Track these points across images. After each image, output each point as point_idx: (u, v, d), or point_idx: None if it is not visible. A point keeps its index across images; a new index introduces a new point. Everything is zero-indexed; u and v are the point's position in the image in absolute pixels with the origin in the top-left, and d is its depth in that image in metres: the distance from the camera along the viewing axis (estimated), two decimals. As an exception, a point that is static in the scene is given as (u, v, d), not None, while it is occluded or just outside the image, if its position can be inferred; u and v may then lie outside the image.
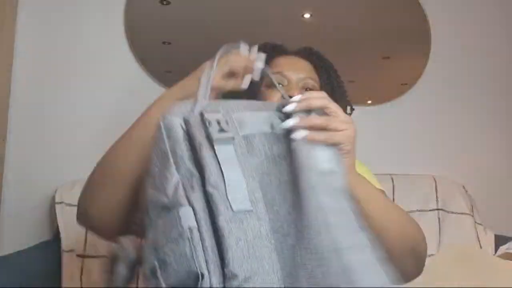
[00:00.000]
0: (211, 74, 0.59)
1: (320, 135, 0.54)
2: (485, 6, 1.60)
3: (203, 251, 0.42)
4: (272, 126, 0.55)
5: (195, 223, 0.44)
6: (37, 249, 1.09)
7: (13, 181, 1.24)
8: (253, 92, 0.86)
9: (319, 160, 0.51)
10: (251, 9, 1.43)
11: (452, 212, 1.31)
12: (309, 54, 0.94)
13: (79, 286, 1.09)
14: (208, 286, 0.41)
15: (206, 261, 0.42)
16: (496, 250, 1.28)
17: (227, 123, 0.49)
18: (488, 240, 1.30)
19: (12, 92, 1.26)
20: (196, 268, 0.42)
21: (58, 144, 1.28)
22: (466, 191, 1.37)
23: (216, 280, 0.42)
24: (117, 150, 0.71)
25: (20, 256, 1.02)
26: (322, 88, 0.91)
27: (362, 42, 1.50)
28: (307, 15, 1.49)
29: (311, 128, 0.54)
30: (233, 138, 0.48)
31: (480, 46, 1.58)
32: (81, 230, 1.13)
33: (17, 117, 1.26)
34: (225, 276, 0.41)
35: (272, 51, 0.92)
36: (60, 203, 1.14)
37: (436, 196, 1.33)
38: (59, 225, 1.12)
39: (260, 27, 1.42)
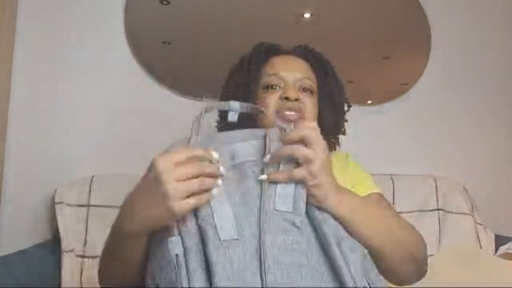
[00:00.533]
0: (202, 114, 0.64)
1: (279, 175, 0.56)
2: (485, 6, 1.60)
3: (189, 273, 0.48)
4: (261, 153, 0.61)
5: (182, 250, 0.50)
6: (37, 249, 1.09)
7: (13, 181, 1.24)
8: (249, 94, 0.85)
9: (277, 201, 0.55)
10: (251, 9, 1.43)
11: (452, 212, 1.31)
12: (305, 53, 0.93)
13: (79, 286, 1.09)
14: None
15: (189, 279, 0.48)
16: (496, 250, 1.28)
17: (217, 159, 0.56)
18: (488, 240, 1.30)
19: (12, 92, 1.26)
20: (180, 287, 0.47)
21: (58, 144, 1.28)
22: (466, 191, 1.37)
23: None
24: (111, 268, 0.66)
25: (20, 256, 1.02)
26: (319, 87, 0.90)
27: (362, 42, 1.50)
28: (307, 15, 1.49)
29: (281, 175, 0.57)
30: (222, 175, 0.55)
31: (480, 46, 1.58)
32: (81, 230, 1.14)
33: (17, 117, 1.26)
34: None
35: (268, 52, 0.91)
36: (60, 203, 1.14)
37: (436, 196, 1.33)
38: (59, 225, 1.12)
39: (260, 27, 1.42)
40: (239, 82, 0.88)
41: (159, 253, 0.53)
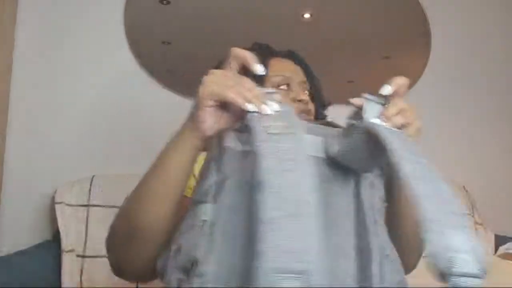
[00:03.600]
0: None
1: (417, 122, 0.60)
2: (485, 6, 1.60)
3: (208, 242, 0.46)
4: (325, 150, 0.56)
5: (208, 218, 0.48)
6: (37, 249, 1.09)
7: (13, 181, 1.24)
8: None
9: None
10: (251, 9, 1.43)
11: (452, 212, 1.31)
12: (296, 57, 0.95)
13: (79, 286, 1.09)
14: (201, 273, 0.45)
15: (207, 251, 0.46)
16: (496, 250, 1.28)
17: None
18: (488, 240, 1.30)
19: (12, 92, 1.26)
20: (196, 254, 0.46)
21: (58, 144, 1.28)
22: (466, 191, 1.37)
23: (211, 269, 0.45)
24: (140, 203, 0.61)
25: (20, 256, 1.02)
26: (309, 90, 0.92)
27: (362, 42, 1.50)
28: (307, 15, 1.49)
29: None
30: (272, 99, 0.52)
31: (480, 46, 1.58)
32: (81, 230, 1.14)
33: (17, 117, 1.26)
34: (256, 186, 0.42)
35: (268, 52, 0.92)
36: (60, 203, 1.14)
37: (436, 196, 1.33)
38: (59, 225, 1.11)
39: (260, 27, 1.42)
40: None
41: (190, 214, 0.52)
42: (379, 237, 0.53)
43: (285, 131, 0.47)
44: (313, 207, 0.41)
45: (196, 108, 0.54)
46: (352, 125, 0.57)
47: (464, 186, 1.38)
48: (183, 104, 1.17)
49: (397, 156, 0.43)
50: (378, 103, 0.59)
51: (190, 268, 0.47)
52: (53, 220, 1.17)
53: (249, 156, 0.52)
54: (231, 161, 0.52)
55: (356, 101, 0.60)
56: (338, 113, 0.74)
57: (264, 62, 0.89)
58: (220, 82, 0.52)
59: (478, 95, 1.56)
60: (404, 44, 1.55)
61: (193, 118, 0.55)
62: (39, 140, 1.27)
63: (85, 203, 1.16)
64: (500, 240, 1.30)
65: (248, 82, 0.53)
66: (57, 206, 1.14)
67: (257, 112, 0.50)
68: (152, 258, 0.58)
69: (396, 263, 0.55)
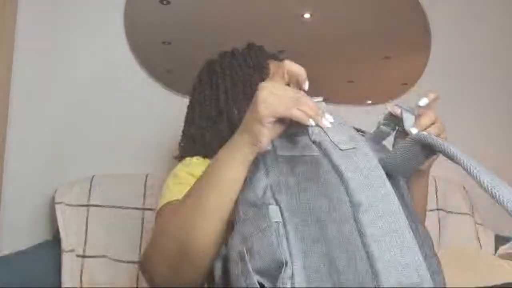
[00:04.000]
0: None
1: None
2: (485, 6, 1.60)
3: (287, 243, 0.48)
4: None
5: (281, 219, 0.50)
6: (37, 249, 1.09)
7: (13, 181, 1.24)
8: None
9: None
10: (251, 9, 1.43)
11: (452, 212, 1.31)
12: (289, 59, 0.95)
13: (79, 286, 1.09)
14: (291, 273, 0.46)
15: (290, 252, 0.47)
16: (496, 250, 1.28)
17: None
18: (488, 240, 1.30)
19: (12, 92, 1.26)
20: (281, 256, 0.47)
21: (58, 144, 1.28)
22: (466, 191, 1.37)
23: (297, 267, 0.46)
24: (195, 221, 0.58)
25: (20, 256, 1.02)
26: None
27: (362, 42, 1.50)
28: (307, 15, 1.49)
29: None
30: (326, 120, 0.56)
31: (480, 46, 1.58)
32: (81, 230, 1.14)
33: (17, 117, 1.26)
34: (352, 205, 0.47)
35: (262, 54, 0.91)
36: (60, 203, 1.14)
37: (436, 196, 1.33)
38: (59, 225, 1.12)
39: (260, 27, 1.42)
40: (250, 81, 0.85)
41: (256, 216, 0.52)
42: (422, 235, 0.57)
43: (351, 145, 0.52)
44: (405, 218, 0.46)
45: (257, 125, 0.54)
46: (398, 133, 0.63)
47: (464, 186, 1.38)
48: (183, 104, 1.18)
49: (471, 167, 0.44)
50: (411, 113, 0.63)
51: (275, 270, 0.47)
52: (53, 220, 1.17)
53: (293, 161, 0.56)
54: (279, 165, 0.55)
55: (394, 109, 0.63)
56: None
57: (262, 64, 0.89)
58: (280, 100, 0.53)
59: (478, 95, 1.56)
60: (404, 44, 1.55)
61: (253, 134, 0.55)
62: (39, 140, 1.27)
63: (85, 203, 1.16)
64: (500, 240, 1.30)
65: (304, 96, 0.55)
66: (57, 206, 1.14)
67: (318, 126, 0.54)
68: (205, 271, 0.60)
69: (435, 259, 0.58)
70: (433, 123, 0.63)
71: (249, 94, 0.83)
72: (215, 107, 0.87)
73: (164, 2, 1.36)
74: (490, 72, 1.58)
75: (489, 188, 0.40)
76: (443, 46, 1.53)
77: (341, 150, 0.51)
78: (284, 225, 0.49)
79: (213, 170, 0.59)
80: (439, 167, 1.45)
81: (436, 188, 1.34)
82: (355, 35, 1.50)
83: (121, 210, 1.15)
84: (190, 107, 0.94)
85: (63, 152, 1.28)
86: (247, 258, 0.50)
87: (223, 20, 1.40)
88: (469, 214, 1.31)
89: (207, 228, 0.57)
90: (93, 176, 1.20)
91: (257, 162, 0.56)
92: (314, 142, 0.53)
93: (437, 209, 1.31)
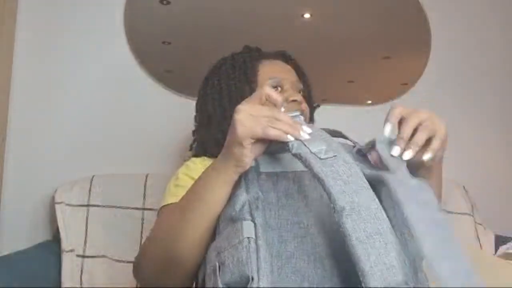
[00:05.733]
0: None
1: (434, 144, 0.62)
2: (485, 6, 1.60)
3: (257, 259, 0.49)
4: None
5: (253, 235, 0.51)
6: (37, 249, 1.09)
7: (13, 181, 1.24)
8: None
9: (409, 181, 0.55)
10: (251, 9, 1.43)
11: (452, 212, 1.31)
12: (287, 57, 0.96)
13: (79, 286, 1.09)
14: (256, 287, 0.48)
15: (258, 268, 0.48)
16: (496, 250, 1.28)
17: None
18: (488, 240, 1.30)
19: (12, 92, 1.26)
20: (248, 272, 0.48)
21: (58, 144, 1.28)
22: (466, 191, 1.37)
23: (263, 284, 0.48)
24: (180, 235, 0.62)
25: (20, 256, 1.02)
26: (302, 89, 0.93)
27: (362, 42, 1.50)
28: (307, 15, 1.49)
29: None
30: (305, 132, 0.57)
31: (480, 46, 1.58)
32: (81, 230, 1.14)
33: (17, 117, 1.26)
34: (336, 211, 0.47)
35: (257, 55, 0.92)
36: (60, 203, 1.14)
37: (436, 196, 1.33)
38: (59, 225, 1.12)
39: (260, 27, 1.42)
40: (237, 85, 0.88)
41: (230, 232, 0.54)
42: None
43: (331, 154, 0.53)
44: (388, 222, 0.47)
45: (238, 147, 0.56)
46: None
47: (464, 186, 1.38)
48: (183, 104, 1.19)
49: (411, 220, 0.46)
50: (391, 140, 0.62)
51: (243, 286, 0.49)
52: (53, 220, 1.17)
53: (274, 177, 0.58)
54: (258, 182, 0.57)
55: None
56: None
57: (253, 66, 0.89)
58: (257, 121, 0.55)
59: (478, 95, 1.56)
60: (404, 44, 1.55)
61: (235, 156, 0.57)
62: (39, 140, 1.27)
63: (85, 203, 1.16)
64: (500, 240, 1.30)
65: (279, 114, 0.56)
66: (57, 206, 1.14)
67: (297, 140, 0.55)
68: (188, 279, 0.63)
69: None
70: (418, 125, 0.61)
71: (234, 100, 0.85)
72: (205, 113, 0.91)
73: (164, 2, 1.36)
74: (491, 72, 1.58)
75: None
76: (443, 46, 1.53)
77: (321, 159, 0.51)
78: (256, 241, 0.51)
79: (198, 188, 0.62)
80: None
81: (436, 188, 1.34)
82: (355, 35, 1.50)
83: (121, 210, 1.15)
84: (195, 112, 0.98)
85: (63, 152, 1.28)
86: (218, 272, 0.52)
87: (223, 20, 1.40)
88: (469, 214, 1.31)
89: (192, 240, 0.61)
90: (93, 176, 1.20)
91: (239, 179, 0.59)
92: (294, 155, 0.54)
93: (437, 209, 1.31)
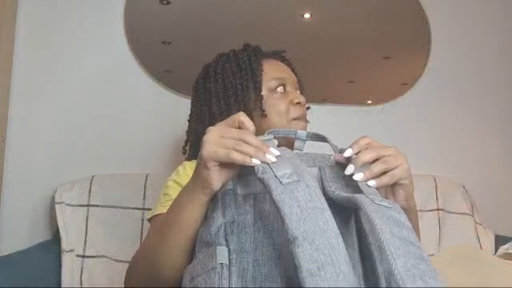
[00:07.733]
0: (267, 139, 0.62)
1: (383, 179, 0.58)
2: (485, 6, 1.60)
3: (229, 286, 0.49)
4: (320, 181, 0.60)
5: (227, 261, 0.51)
6: (37, 249, 1.09)
7: (13, 181, 1.24)
8: (257, 97, 0.85)
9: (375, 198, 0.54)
10: (251, 9, 1.43)
11: (452, 212, 1.31)
12: (283, 57, 0.96)
13: (79, 286, 1.09)
14: None
15: None
16: (496, 250, 1.28)
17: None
18: (488, 240, 1.30)
19: (12, 92, 1.26)
20: None
21: (58, 144, 1.28)
22: (466, 191, 1.37)
23: None
24: (159, 254, 0.64)
25: (20, 256, 1.02)
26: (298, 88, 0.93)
27: (362, 42, 1.50)
28: (307, 15, 1.49)
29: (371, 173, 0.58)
30: (272, 154, 0.56)
31: (480, 46, 1.58)
32: (81, 230, 1.14)
33: (17, 117, 1.26)
34: (289, 241, 0.46)
35: (259, 53, 0.92)
36: (60, 203, 1.14)
37: (436, 196, 1.33)
38: (59, 225, 1.12)
39: (260, 27, 1.42)
40: (241, 85, 0.87)
41: (205, 257, 0.54)
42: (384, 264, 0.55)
43: (293, 178, 0.51)
44: (343, 250, 0.45)
45: (203, 169, 0.56)
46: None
47: (464, 186, 1.38)
48: (183, 104, 1.18)
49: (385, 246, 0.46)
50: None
51: None
52: (53, 220, 1.17)
53: (251, 199, 0.57)
54: (235, 205, 0.56)
55: (337, 157, 0.62)
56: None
57: (256, 64, 0.89)
58: (222, 144, 0.55)
59: (478, 95, 1.56)
60: (404, 44, 1.55)
61: (202, 177, 0.57)
62: (39, 140, 1.27)
63: (85, 203, 1.16)
64: (500, 240, 1.30)
65: (247, 136, 0.56)
66: (57, 206, 1.14)
67: (263, 162, 0.54)
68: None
69: None
70: (376, 159, 0.59)
71: (240, 99, 0.84)
72: (208, 111, 0.89)
73: (164, 2, 1.36)
74: (491, 71, 1.58)
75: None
76: (443, 46, 1.53)
77: (282, 184, 0.50)
78: (229, 267, 0.51)
79: (173, 210, 0.63)
80: (439, 167, 1.46)
81: (436, 188, 1.34)
82: (355, 35, 1.50)
83: (121, 210, 1.15)
84: (190, 111, 0.96)
85: (63, 152, 1.28)
86: None
87: (223, 20, 1.40)
88: (469, 214, 1.31)
89: (172, 260, 0.61)
90: (93, 176, 1.20)
91: (216, 202, 0.58)
92: (258, 179, 0.53)
93: (437, 209, 1.31)
